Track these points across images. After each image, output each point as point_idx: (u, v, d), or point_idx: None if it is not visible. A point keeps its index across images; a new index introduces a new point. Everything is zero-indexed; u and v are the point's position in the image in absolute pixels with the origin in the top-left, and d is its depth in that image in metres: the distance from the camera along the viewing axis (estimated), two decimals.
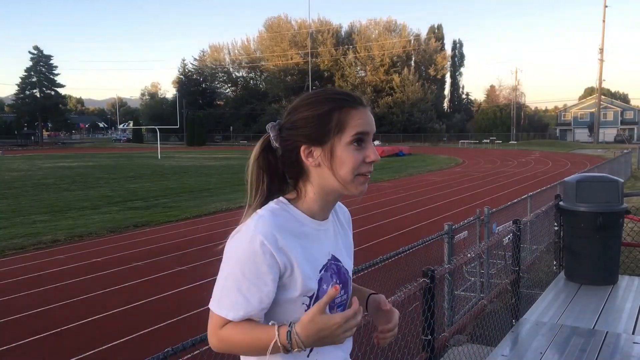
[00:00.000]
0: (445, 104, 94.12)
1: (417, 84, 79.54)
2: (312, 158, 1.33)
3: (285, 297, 1.31)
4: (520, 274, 5.07)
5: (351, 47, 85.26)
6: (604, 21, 67.96)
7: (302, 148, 1.34)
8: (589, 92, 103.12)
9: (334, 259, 1.41)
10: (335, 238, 1.45)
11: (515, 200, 8.19)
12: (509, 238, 5.48)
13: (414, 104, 78.33)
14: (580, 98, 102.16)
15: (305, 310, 1.29)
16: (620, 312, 5.00)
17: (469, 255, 4.28)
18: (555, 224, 6.36)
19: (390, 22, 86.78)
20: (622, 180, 6.05)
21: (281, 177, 1.41)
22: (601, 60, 68.04)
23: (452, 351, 4.56)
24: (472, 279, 6.94)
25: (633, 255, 6.96)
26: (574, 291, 5.57)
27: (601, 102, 72.34)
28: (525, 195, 8.67)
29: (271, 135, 1.39)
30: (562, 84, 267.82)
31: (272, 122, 1.40)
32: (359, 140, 1.32)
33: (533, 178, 24.59)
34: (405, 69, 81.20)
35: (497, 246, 6.32)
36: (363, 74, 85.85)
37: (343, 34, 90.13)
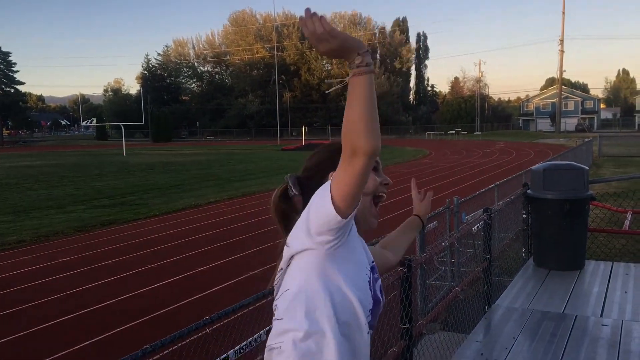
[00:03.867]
0: (411, 96, 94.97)
1: (382, 76, 79.98)
2: None
3: (355, 258, 1.44)
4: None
5: None
6: (563, 13, 69.34)
7: (330, 174, 1.46)
8: (550, 82, 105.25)
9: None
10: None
11: (483, 190, 8.32)
12: (479, 226, 5.57)
13: (380, 96, 78.45)
14: (542, 88, 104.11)
15: (368, 281, 1.45)
16: (588, 295, 5.12)
17: (443, 244, 4.33)
18: (524, 211, 6.47)
19: (355, 15, 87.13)
20: (587, 168, 6.18)
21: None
22: (561, 51, 69.41)
23: (428, 339, 4.62)
24: (443, 268, 7.03)
25: (598, 241, 7.14)
26: (543, 277, 5.69)
27: (562, 92, 73.87)
28: (492, 185, 8.82)
29: (289, 182, 1.55)
30: (524, 75, 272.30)
31: (290, 174, 1.57)
32: (375, 166, 1.57)
33: (498, 168, 25.01)
34: None
35: (467, 235, 6.42)
36: (329, 68, 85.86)
37: None
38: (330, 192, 1.27)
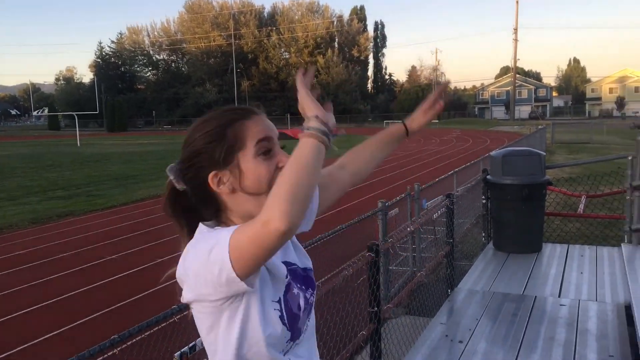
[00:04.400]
0: (369, 85, 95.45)
1: (341, 65, 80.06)
2: (223, 184, 1.20)
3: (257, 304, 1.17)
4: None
5: (275, 28, 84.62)
6: (517, 2, 70.66)
7: (210, 177, 1.20)
8: (505, 71, 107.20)
9: (288, 263, 1.29)
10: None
11: (442, 177, 8.45)
12: (440, 212, 5.66)
13: (338, 85, 78.84)
14: (497, 77, 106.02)
15: (279, 316, 1.20)
16: (546, 277, 5.28)
17: (408, 229, 4.39)
18: (483, 197, 6.61)
19: (313, 3, 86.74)
20: (544, 154, 6.35)
21: (203, 216, 1.26)
22: (515, 40, 70.83)
23: (394, 323, 4.68)
24: (404, 254, 7.11)
25: (554, 225, 7.35)
26: (503, 260, 5.83)
27: (516, 81, 75.48)
28: (451, 172, 8.96)
29: (172, 178, 1.24)
30: (480, 63, 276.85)
31: (170, 164, 1.25)
32: (265, 149, 1.21)
33: (456, 155, 25.42)
34: (329, 51, 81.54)
35: (427, 221, 6.51)
36: (287, 56, 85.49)
37: (266, 15, 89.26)
38: (229, 253, 1.05)
